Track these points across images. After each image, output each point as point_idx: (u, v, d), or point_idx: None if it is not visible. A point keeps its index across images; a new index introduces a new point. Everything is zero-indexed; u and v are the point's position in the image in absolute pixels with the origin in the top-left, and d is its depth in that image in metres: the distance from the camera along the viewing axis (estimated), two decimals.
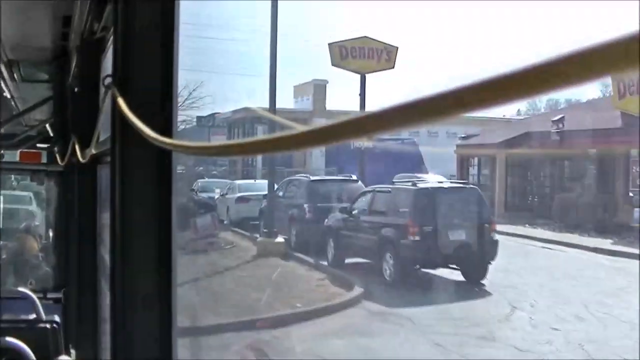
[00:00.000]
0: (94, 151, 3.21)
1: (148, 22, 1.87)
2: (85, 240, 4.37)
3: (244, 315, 15.32)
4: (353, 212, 21.45)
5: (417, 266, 18.99)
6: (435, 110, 0.71)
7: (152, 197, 1.88)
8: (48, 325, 4.24)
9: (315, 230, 22.25)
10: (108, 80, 2.10)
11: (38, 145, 7.11)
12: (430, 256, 18.59)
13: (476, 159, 37.88)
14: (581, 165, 31.96)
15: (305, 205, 24.30)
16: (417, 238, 18.62)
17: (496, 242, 19.22)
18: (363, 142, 29.44)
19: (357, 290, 17.27)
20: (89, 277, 4.34)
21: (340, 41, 35.05)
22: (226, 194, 31.95)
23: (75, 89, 4.33)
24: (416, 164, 36.86)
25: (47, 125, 7.36)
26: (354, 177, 26.94)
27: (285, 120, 2.05)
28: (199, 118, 45.35)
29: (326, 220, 22.33)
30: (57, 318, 4.46)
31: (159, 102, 1.85)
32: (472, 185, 20.93)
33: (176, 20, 1.84)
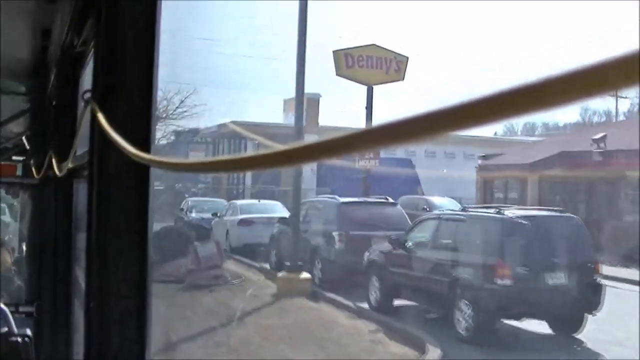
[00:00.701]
0: (70, 165, 3.21)
1: (129, 37, 1.88)
2: (60, 254, 4.35)
3: None
4: (407, 245, 17.20)
5: (501, 317, 14.85)
6: (430, 128, 0.68)
7: (129, 212, 1.89)
8: (20, 339, 4.20)
9: (350, 264, 18.40)
10: (87, 94, 2.11)
11: (13, 157, 7.07)
12: (520, 305, 14.48)
13: (499, 181, 34.24)
14: (629, 188, 27.90)
15: (335, 234, 19.74)
16: (507, 282, 14.39)
17: (600, 286, 14.88)
18: (362, 161, 28.52)
19: (434, 353, 13.17)
20: (62, 291, 4.32)
21: (347, 48, 31.90)
22: (224, 215, 27.78)
23: (54, 102, 4.33)
24: (412, 184, 34.60)
25: (24, 138, 7.33)
26: (391, 200, 22.80)
27: (260, 138, 2.06)
28: (178, 133, 42.31)
29: (366, 253, 18.11)
30: (29, 332, 4.43)
31: (138, 118, 1.86)
32: (569, 214, 16.65)
33: (157, 36, 1.85)
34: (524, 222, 15.29)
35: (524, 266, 14.59)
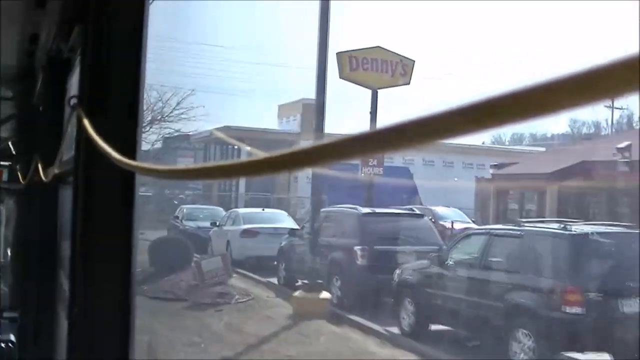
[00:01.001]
0: (56, 171, 3.20)
1: (116, 44, 1.89)
2: (45, 260, 4.34)
3: None
4: (447, 263, 15.03)
5: (566, 350, 12.59)
6: (423, 134, 0.66)
7: (114, 219, 1.89)
8: (3, 345, 4.19)
9: (374, 282, 16.40)
10: (74, 100, 2.11)
11: (0, 162, 7.04)
12: (591, 336, 12.43)
13: (513, 192, 31.98)
14: None
15: (357, 248, 17.44)
16: (577, 310, 12.32)
17: None
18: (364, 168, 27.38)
19: None
20: (47, 297, 4.31)
21: (351, 50, 30.33)
22: (224, 224, 25.72)
23: (40, 108, 4.32)
24: (410, 194, 33.45)
25: (10, 143, 7.31)
26: (417, 211, 21.10)
27: (243, 145, 2.06)
28: (165, 139, 39.86)
29: (397, 271, 15.93)
30: (12, 337, 4.42)
31: (124, 124, 1.86)
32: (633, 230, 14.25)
33: (144, 43, 1.86)
34: (599, 239, 13.15)
35: (597, 292, 12.52)
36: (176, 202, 36.24)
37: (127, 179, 1.85)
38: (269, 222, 24.84)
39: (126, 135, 1.83)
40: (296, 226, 22.91)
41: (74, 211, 2.08)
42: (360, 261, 17.32)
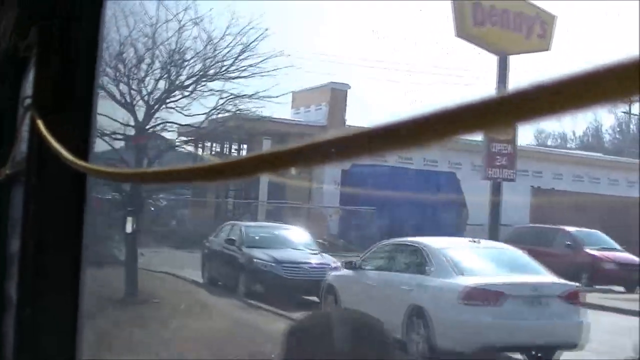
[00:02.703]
0: (8, 171, 3.17)
1: (72, 45, 1.88)
2: None
3: None
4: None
5: None
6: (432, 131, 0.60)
7: (65, 220, 1.88)
8: None
9: None
10: (27, 100, 2.10)
11: None
12: None
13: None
14: None
15: None
16: None
17: None
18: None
19: None
20: None
21: None
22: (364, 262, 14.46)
23: None
24: (457, 207, 27.89)
25: None
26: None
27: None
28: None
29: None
30: None
31: (77, 126, 1.85)
32: None
33: (101, 45, 1.85)
34: None
35: None
36: (152, 209, 24.13)
37: (78, 180, 1.84)
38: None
39: (79, 137, 1.83)
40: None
41: (24, 212, 2.06)
42: None
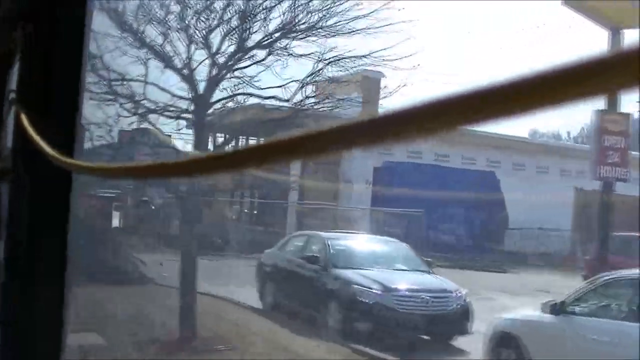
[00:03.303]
0: None
1: (57, 40, 1.86)
2: None
3: None
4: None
5: None
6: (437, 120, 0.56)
7: (50, 216, 1.86)
8: None
9: None
10: (12, 95, 2.07)
11: None
12: None
13: None
14: None
15: None
16: None
17: None
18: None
19: None
20: None
21: None
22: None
23: None
24: (497, 210, 25.16)
25: None
26: None
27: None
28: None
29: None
30: None
31: (62, 121, 1.83)
32: None
33: (86, 40, 1.83)
34: None
35: None
36: (153, 207, 21.77)
37: (63, 176, 1.82)
38: None
39: (64, 132, 1.81)
40: None
41: (10, 208, 2.04)
42: None
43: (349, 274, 12.56)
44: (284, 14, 12.67)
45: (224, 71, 12.49)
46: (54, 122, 1.81)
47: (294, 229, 20.44)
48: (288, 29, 12.75)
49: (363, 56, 13.73)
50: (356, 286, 12.12)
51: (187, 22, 12.40)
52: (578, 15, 17.54)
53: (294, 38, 12.89)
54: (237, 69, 12.59)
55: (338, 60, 13.39)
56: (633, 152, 22.25)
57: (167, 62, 12.27)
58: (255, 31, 12.60)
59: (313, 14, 12.91)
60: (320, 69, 13.26)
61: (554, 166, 30.43)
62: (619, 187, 20.18)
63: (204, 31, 12.43)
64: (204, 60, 12.37)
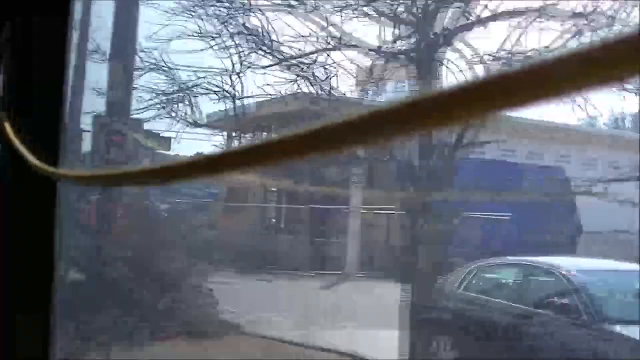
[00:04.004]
0: None
1: (40, 47, 1.84)
2: None
3: None
4: None
5: None
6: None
7: (35, 224, 1.85)
8: None
9: None
10: None
11: None
12: None
13: None
14: None
15: None
16: None
17: None
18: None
19: None
20: None
21: None
22: None
23: None
24: (566, 211, 22.76)
25: None
26: None
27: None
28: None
29: None
30: None
31: (46, 130, 1.82)
32: None
33: (68, 47, 1.82)
34: None
35: None
36: (165, 215, 15.65)
37: (48, 185, 1.80)
38: None
39: (48, 140, 1.79)
40: None
41: None
42: None
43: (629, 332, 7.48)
44: None
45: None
46: (38, 130, 1.79)
47: (357, 241, 16.57)
48: None
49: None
50: None
51: None
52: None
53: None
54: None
55: None
56: None
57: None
58: None
59: None
60: None
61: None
62: None
63: None
64: None
